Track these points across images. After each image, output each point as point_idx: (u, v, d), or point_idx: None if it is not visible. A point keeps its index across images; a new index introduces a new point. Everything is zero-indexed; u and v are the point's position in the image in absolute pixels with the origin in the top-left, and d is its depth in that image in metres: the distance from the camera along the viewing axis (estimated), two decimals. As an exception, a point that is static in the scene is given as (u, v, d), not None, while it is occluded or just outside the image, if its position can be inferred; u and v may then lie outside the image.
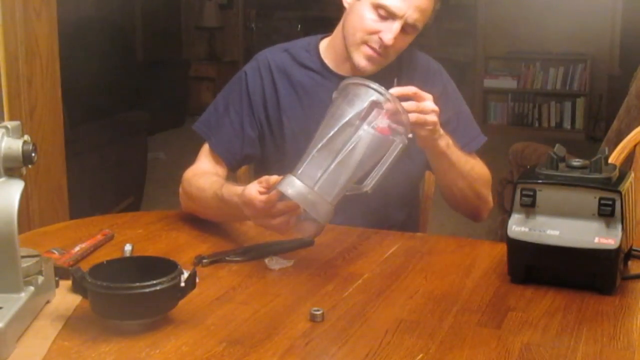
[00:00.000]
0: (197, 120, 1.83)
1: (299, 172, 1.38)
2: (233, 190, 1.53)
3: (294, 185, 1.36)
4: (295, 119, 1.77)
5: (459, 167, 1.69)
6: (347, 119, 1.42)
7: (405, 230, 1.81)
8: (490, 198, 1.80)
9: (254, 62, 1.83)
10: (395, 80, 1.55)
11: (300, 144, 1.67)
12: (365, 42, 1.68)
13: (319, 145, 1.41)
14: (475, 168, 1.74)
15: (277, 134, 1.79)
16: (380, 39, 1.66)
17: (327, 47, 1.81)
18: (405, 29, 1.67)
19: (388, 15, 1.65)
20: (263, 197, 1.40)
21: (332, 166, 1.39)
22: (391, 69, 1.78)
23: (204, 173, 1.73)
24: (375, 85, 1.44)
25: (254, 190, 1.42)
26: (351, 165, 1.40)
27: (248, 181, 1.58)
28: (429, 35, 7.14)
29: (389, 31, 1.65)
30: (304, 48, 1.82)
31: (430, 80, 1.79)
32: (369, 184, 1.43)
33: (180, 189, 1.75)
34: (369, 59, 1.69)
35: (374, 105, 1.42)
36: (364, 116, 1.42)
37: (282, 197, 1.38)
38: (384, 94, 1.43)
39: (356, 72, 1.74)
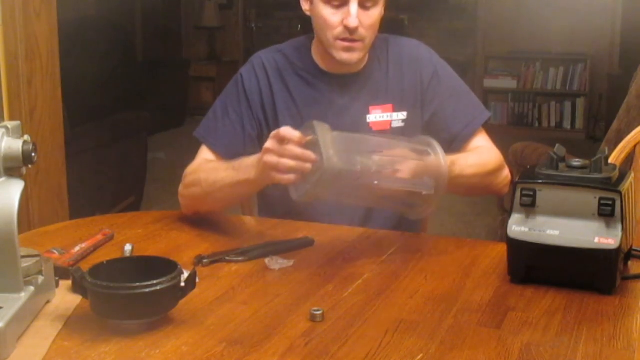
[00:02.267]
0: (198, 127, 1.83)
1: (335, 133, 1.41)
2: (253, 156, 1.56)
3: (325, 129, 1.39)
4: (291, 118, 1.77)
5: (459, 184, 1.64)
6: (401, 144, 1.50)
7: (403, 225, 1.81)
8: (502, 176, 1.77)
9: (249, 64, 1.84)
10: None
11: None
12: (336, 38, 1.69)
13: (363, 135, 1.52)
14: (475, 171, 1.69)
15: None
16: (346, 26, 1.67)
17: (316, 48, 1.82)
18: (363, 4, 1.67)
19: (341, 2, 1.66)
20: (290, 129, 1.41)
21: (360, 156, 1.42)
22: (379, 59, 1.79)
23: (212, 161, 1.75)
24: (437, 146, 1.49)
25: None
26: (375, 170, 1.43)
27: None
28: (429, 35, 7.17)
29: (349, 15, 1.66)
30: (297, 48, 1.84)
31: (419, 67, 1.81)
32: (377, 180, 1.45)
33: (181, 186, 1.74)
34: (347, 50, 1.70)
35: (425, 153, 1.49)
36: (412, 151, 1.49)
37: (309, 147, 1.40)
38: (440, 156, 1.48)
39: (342, 67, 1.75)
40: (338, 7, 1.67)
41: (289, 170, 1.41)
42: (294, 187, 1.45)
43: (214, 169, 1.68)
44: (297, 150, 1.40)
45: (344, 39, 1.68)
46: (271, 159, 1.43)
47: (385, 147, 1.50)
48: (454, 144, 1.77)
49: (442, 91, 1.80)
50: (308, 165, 1.39)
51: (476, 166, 1.70)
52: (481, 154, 1.76)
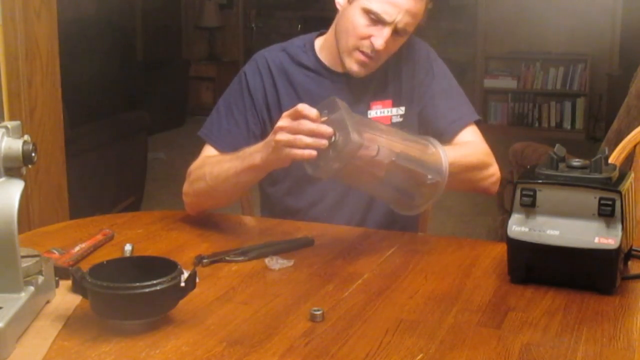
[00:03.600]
0: (202, 127, 1.82)
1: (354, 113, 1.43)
2: (257, 144, 1.56)
3: (346, 106, 1.40)
4: None
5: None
6: (405, 134, 1.55)
7: (400, 223, 1.81)
8: (488, 173, 1.73)
9: (252, 62, 1.84)
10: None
11: None
12: (357, 48, 1.69)
13: (374, 121, 1.61)
14: (452, 160, 1.58)
15: None
16: (372, 43, 1.67)
17: (322, 45, 1.82)
18: (397, 31, 1.67)
19: (379, 21, 1.66)
20: (307, 105, 1.41)
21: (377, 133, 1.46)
22: None
23: (215, 155, 1.75)
24: (436, 142, 1.54)
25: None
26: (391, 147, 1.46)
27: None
28: (429, 35, 7.17)
29: (380, 36, 1.66)
30: (301, 47, 1.84)
31: (416, 62, 1.82)
32: (395, 157, 1.46)
33: (186, 184, 1.73)
34: (361, 64, 1.71)
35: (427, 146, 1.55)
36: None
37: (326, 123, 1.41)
38: (440, 150, 1.52)
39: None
40: (374, 22, 1.66)
41: (305, 146, 1.40)
42: (309, 163, 1.45)
43: (218, 162, 1.68)
44: (313, 126, 1.39)
45: (363, 52, 1.69)
46: (285, 136, 1.42)
47: (393, 133, 1.52)
48: (440, 140, 1.76)
49: (434, 87, 1.81)
50: (324, 142, 1.38)
51: (454, 156, 1.62)
52: (463, 147, 1.74)
